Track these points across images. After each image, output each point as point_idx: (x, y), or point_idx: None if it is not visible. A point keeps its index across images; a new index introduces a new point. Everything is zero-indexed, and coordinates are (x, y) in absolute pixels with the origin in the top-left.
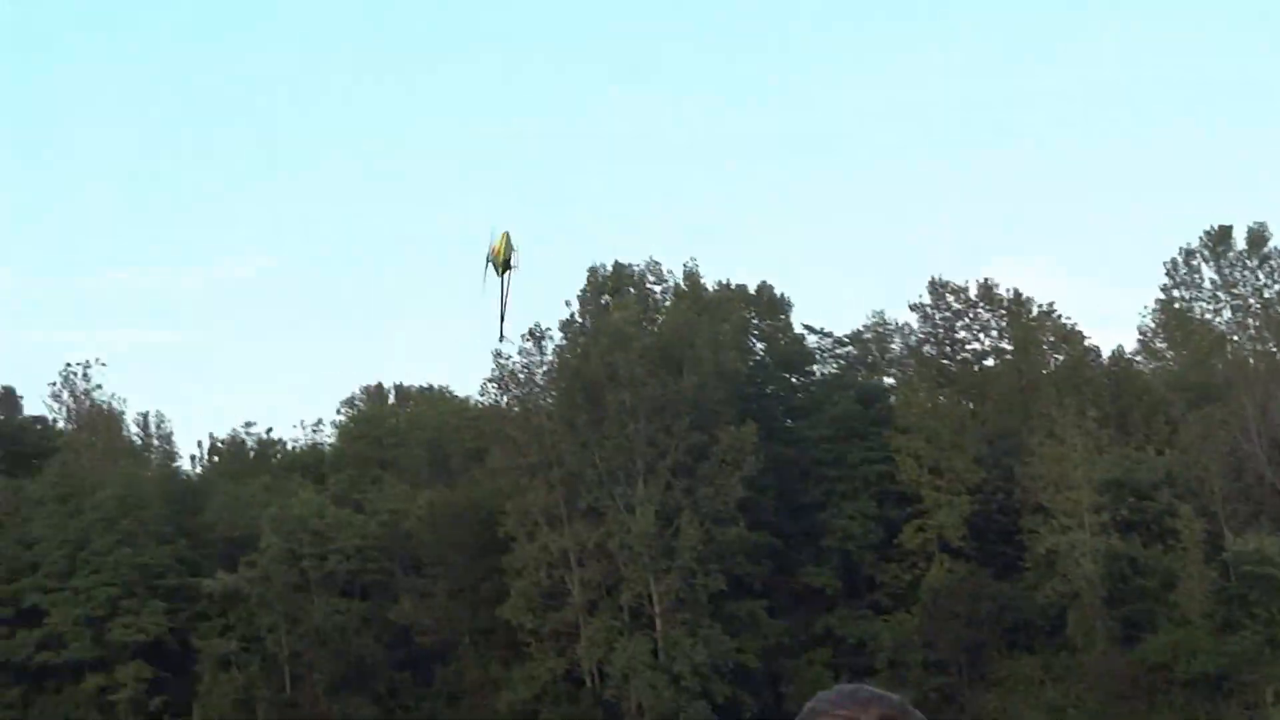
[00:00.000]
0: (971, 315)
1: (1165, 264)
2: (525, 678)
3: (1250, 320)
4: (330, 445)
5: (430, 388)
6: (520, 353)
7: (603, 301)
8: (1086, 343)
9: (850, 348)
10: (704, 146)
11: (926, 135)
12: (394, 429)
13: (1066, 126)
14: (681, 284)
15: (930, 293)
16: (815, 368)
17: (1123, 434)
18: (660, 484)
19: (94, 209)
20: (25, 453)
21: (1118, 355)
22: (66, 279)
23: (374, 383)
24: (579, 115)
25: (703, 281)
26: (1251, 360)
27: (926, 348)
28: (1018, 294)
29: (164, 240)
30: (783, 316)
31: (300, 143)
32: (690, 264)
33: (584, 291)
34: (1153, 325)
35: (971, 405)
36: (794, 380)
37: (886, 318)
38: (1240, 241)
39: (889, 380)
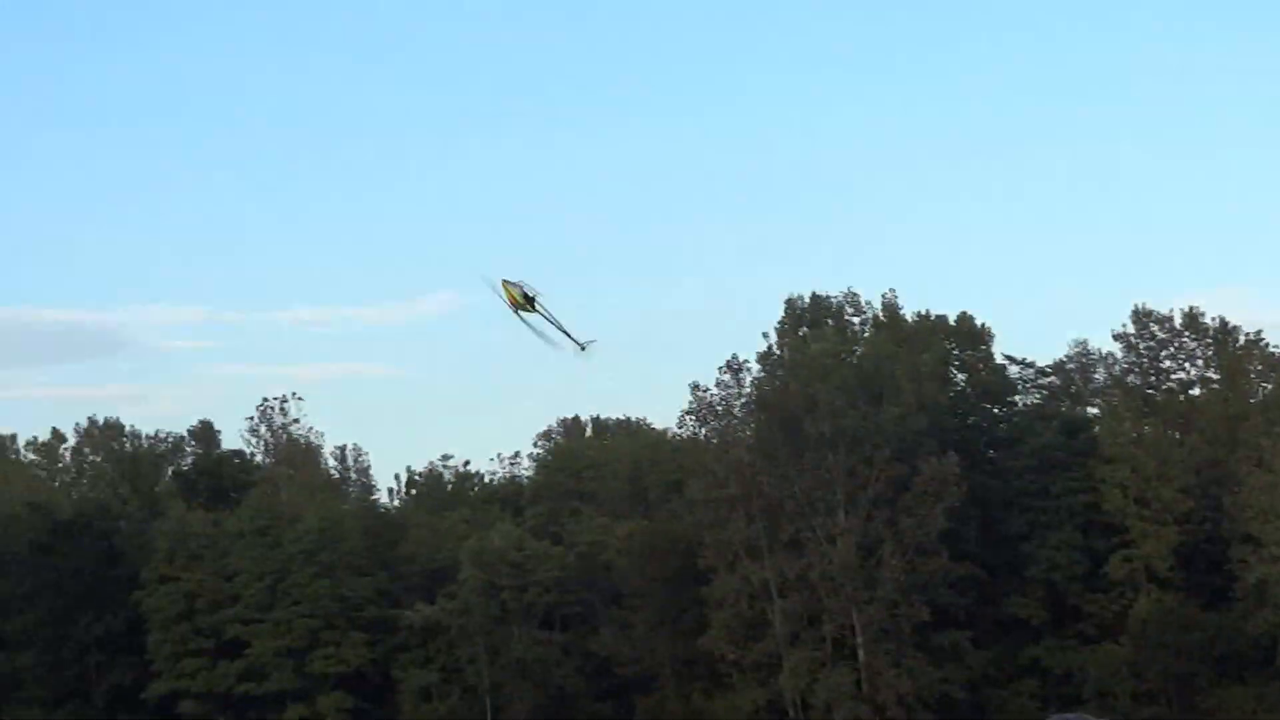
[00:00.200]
0: (1177, 344)
1: None
2: (728, 708)
3: None
4: (528, 478)
5: (627, 420)
6: (718, 385)
7: (801, 333)
8: None
9: (1053, 378)
10: (902, 178)
11: (1126, 163)
12: (592, 462)
13: (1272, 150)
14: (880, 315)
15: (1134, 322)
16: (1017, 398)
17: None
18: (861, 515)
19: (292, 245)
20: (224, 486)
21: None
22: (264, 314)
23: (571, 415)
24: (778, 149)
25: (902, 312)
26: None
27: (1131, 377)
28: (1224, 322)
29: (362, 276)
30: (984, 347)
31: (495, 180)
32: (889, 295)
33: (782, 323)
34: None
35: (1177, 435)
36: (996, 411)
37: (1089, 347)
38: None
39: (1092, 410)
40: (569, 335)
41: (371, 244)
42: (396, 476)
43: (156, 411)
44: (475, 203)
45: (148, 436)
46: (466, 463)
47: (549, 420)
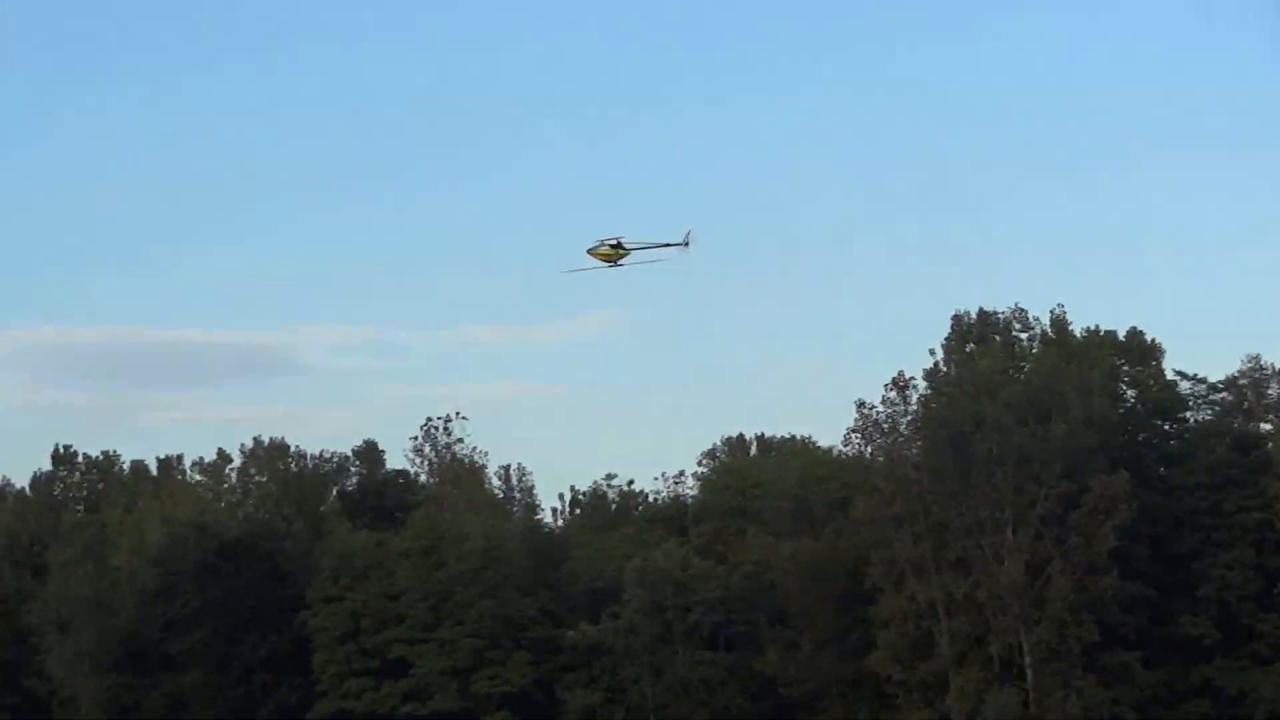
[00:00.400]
0: None
1: None
2: None
3: None
4: (692, 497)
5: (792, 438)
6: (884, 402)
7: (968, 349)
8: None
9: (1225, 393)
10: (1071, 191)
11: None
12: (757, 480)
13: None
14: (1048, 331)
15: None
16: (1188, 414)
17: None
18: (1029, 533)
19: (457, 265)
20: (388, 506)
21: None
22: (429, 333)
23: (736, 433)
24: (945, 162)
25: (1070, 328)
26: None
27: None
28: None
29: (525, 294)
30: (1154, 362)
31: (654, 196)
32: (1057, 310)
33: (949, 339)
34: None
35: None
36: (1166, 427)
37: (1263, 362)
38: None
39: (1266, 427)
40: (668, 245)
41: (534, 262)
42: (560, 496)
43: (322, 431)
44: (638, 218)
45: (313, 456)
46: (630, 481)
47: (713, 438)
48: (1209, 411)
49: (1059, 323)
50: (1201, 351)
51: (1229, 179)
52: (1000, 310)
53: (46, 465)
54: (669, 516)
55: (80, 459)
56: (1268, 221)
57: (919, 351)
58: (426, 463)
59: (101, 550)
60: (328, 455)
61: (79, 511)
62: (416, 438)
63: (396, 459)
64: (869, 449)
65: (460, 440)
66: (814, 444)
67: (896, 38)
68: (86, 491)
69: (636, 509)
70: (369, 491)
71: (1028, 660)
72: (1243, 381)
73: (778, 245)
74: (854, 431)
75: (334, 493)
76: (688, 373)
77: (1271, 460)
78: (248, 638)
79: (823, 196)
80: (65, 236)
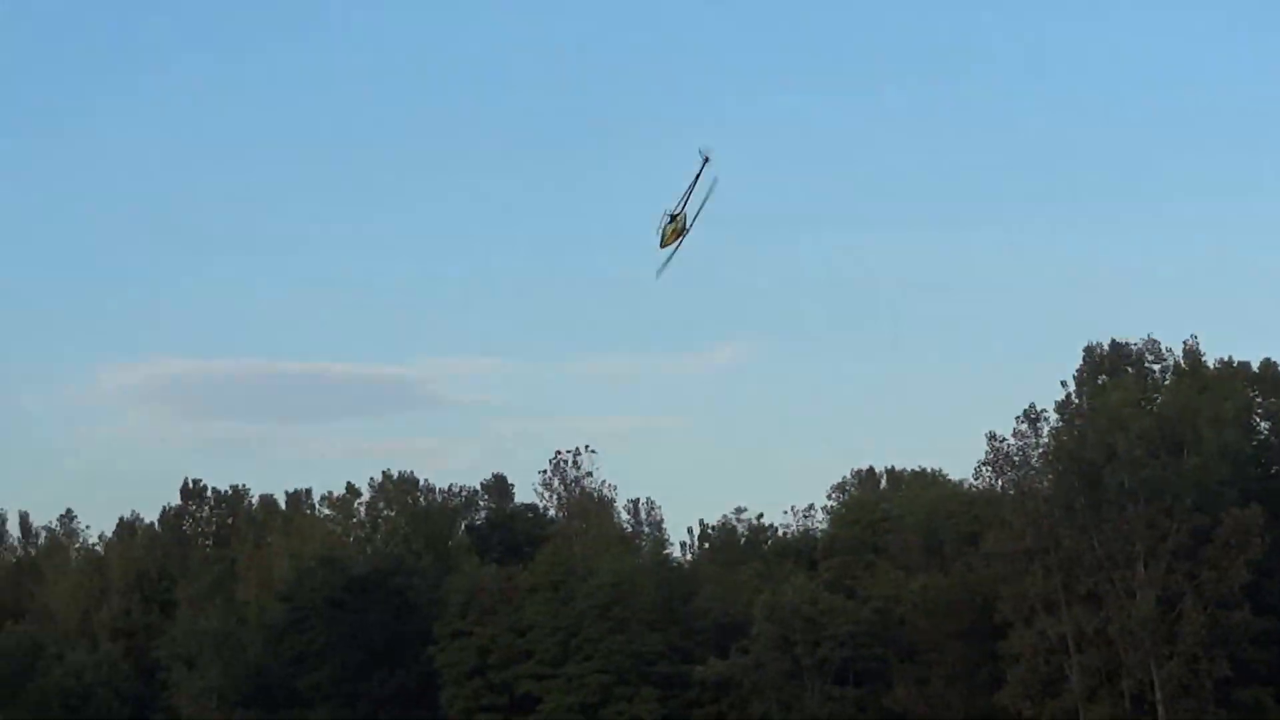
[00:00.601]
0: None
1: None
2: None
3: None
4: (822, 530)
5: (923, 471)
6: (1015, 435)
7: (1100, 381)
8: None
9: None
10: (1204, 222)
11: None
12: (886, 513)
13: None
14: (1181, 362)
15: None
16: None
17: None
18: (1161, 567)
19: (585, 296)
20: (517, 540)
21: None
22: (557, 366)
23: (865, 466)
24: (1083, 192)
25: (1204, 359)
26: None
27: None
28: None
29: (654, 326)
30: None
31: (782, 231)
32: (1190, 341)
33: (1081, 371)
34: None
35: None
36: None
37: None
38: None
39: None
40: (697, 176)
41: (663, 294)
42: (689, 530)
43: (451, 465)
44: (764, 254)
45: (441, 490)
46: (760, 515)
47: (843, 471)
48: None
49: (1192, 354)
50: None
51: None
52: (1133, 341)
53: (176, 499)
54: (798, 550)
55: (209, 493)
56: None
57: (1050, 383)
58: (555, 496)
59: (230, 585)
60: (456, 489)
61: (208, 546)
62: (545, 471)
63: (525, 493)
64: (1000, 482)
65: (589, 474)
66: (944, 477)
67: (1043, 77)
68: (215, 526)
69: (765, 543)
70: (498, 525)
71: (1159, 696)
72: None
73: (907, 275)
74: (984, 464)
75: (462, 527)
76: (817, 404)
77: None
78: (375, 673)
79: (951, 224)
80: (200, 270)
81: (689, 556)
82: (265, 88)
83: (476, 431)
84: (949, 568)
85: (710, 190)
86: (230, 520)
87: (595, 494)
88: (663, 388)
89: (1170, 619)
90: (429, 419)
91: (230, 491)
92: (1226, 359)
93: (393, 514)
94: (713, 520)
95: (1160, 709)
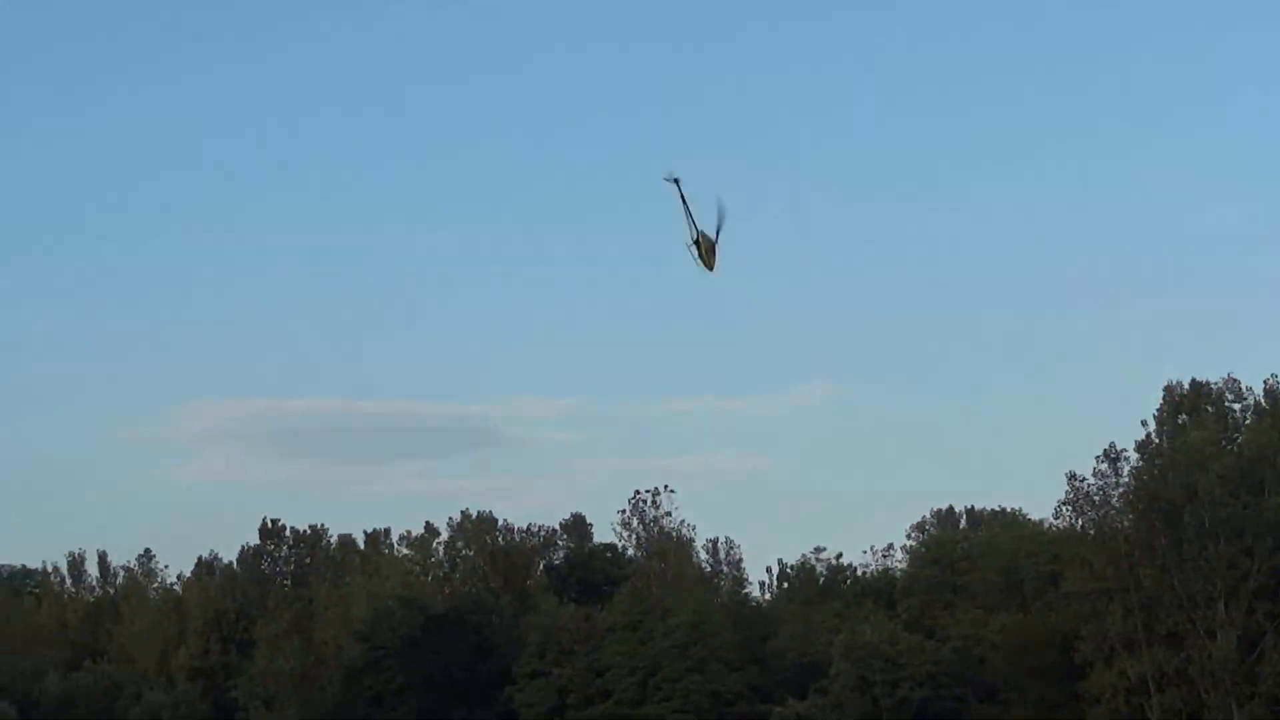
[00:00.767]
0: None
1: None
2: None
3: None
4: (901, 570)
5: (1002, 510)
6: (1095, 474)
7: (1180, 420)
8: None
9: None
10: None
11: None
12: (966, 553)
13: None
14: (1262, 401)
15: None
16: None
17: None
18: (1242, 607)
19: (663, 337)
20: (595, 580)
21: None
22: (636, 405)
23: (945, 506)
24: (1155, 232)
25: None
26: None
27: None
28: None
29: (733, 367)
30: None
31: (859, 272)
32: (1271, 381)
33: (1161, 410)
34: None
35: None
36: None
37: None
38: None
39: None
40: (684, 201)
41: (742, 335)
42: (768, 569)
43: (529, 504)
44: (844, 294)
45: (520, 530)
46: (839, 555)
47: (923, 511)
48: None
49: (1273, 393)
50: None
51: None
52: (1213, 381)
53: (254, 539)
54: (877, 590)
55: (288, 533)
56: None
57: (1131, 422)
58: (634, 536)
59: (308, 625)
60: (535, 528)
61: (286, 586)
62: (624, 511)
63: (604, 532)
64: (1080, 521)
65: (668, 513)
66: (1024, 516)
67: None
68: (294, 565)
69: (844, 582)
70: (576, 565)
71: None
72: None
73: (988, 317)
74: (1065, 503)
75: (541, 566)
76: (897, 444)
77: None
78: (454, 713)
79: (1032, 268)
80: (275, 312)
81: (768, 596)
82: (371, 135)
83: (555, 471)
84: (1029, 607)
85: (720, 211)
86: (309, 560)
87: (674, 534)
88: (742, 428)
89: (1251, 659)
90: (508, 459)
91: (309, 531)
92: None
93: (471, 554)
94: (792, 560)
95: None
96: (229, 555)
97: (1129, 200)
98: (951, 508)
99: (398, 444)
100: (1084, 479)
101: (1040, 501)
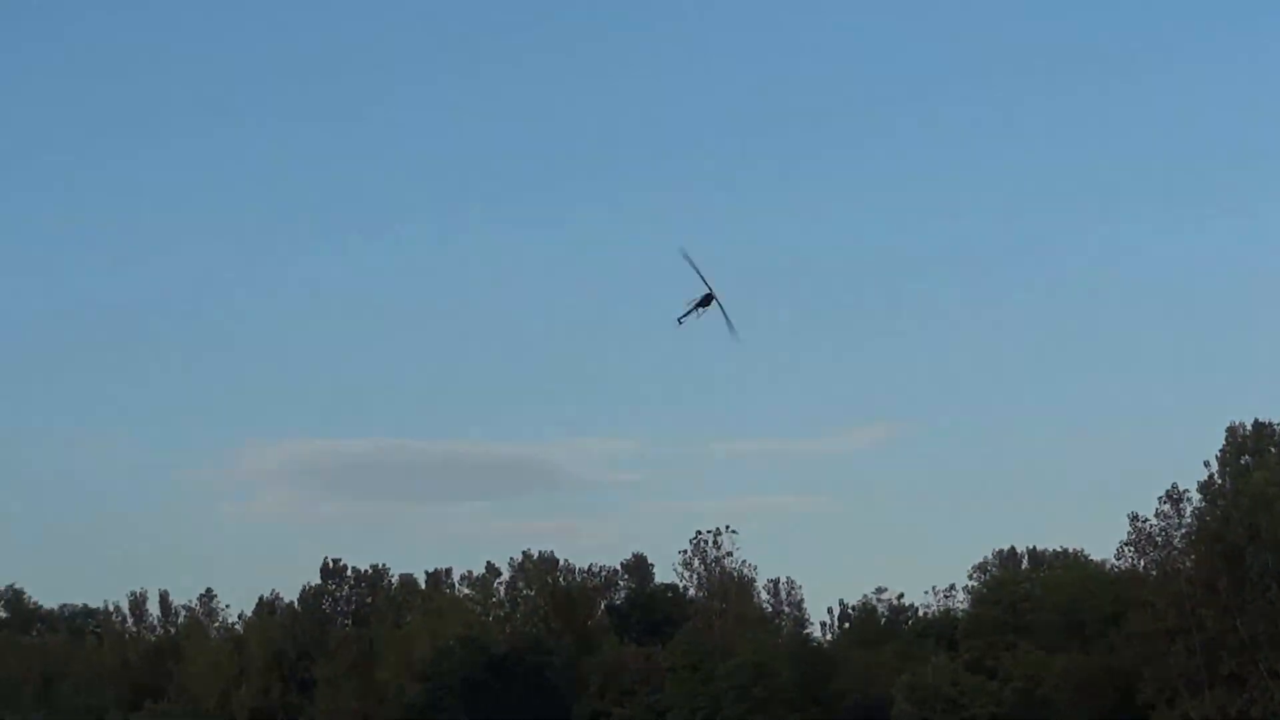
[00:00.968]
0: None
1: None
2: None
3: None
4: (963, 610)
5: (1065, 551)
6: (1157, 515)
7: (1243, 461)
8: None
9: None
10: None
11: None
12: (1028, 594)
13: None
14: None
15: None
16: None
17: None
18: None
19: (723, 379)
20: (657, 620)
21: None
22: (697, 446)
23: (1007, 547)
24: (1224, 272)
25: None
26: None
27: None
28: None
29: (795, 408)
30: None
31: (924, 314)
32: None
33: (1223, 451)
34: None
35: None
36: None
37: None
38: None
39: None
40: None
41: (803, 377)
42: (829, 610)
43: (590, 545)
44: (908, 337)
45: (581, 570)
46: (900, 595)
47: (984, 551)
48: None
49: None
50: None
51: None
52: (1276, 422)
53: (316, 579)
54: (939, 630)
55: (349, 572)
56: None
57: (1194, 463)
58: (695, 576)
59: (368, 664)
60: (596, 569)
61: (347, 625)
62: (686, 551)
63: (665, 572)
64: (1142, 562)
65: (729, 553)
66: (1086, 557)
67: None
68: (355, 605)
69: (906, 622)
70: (637, 605)
71: None
72: None
73: (1049, 358)
74: (1127, 544)
75: (602, 606)
76: (958, 485)
77: None
78: None
79: (1093, 310)
80: (337, 352)
81: (829, 636)
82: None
83: (617, 511)
84: (1091, 648)
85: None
86: (370, 599)
87: (735, 574)
88: (804, 468)
89: None
90: (570, 499)
91: (370, 571)
92: None
93: (532, 593)
94: (853, 600)
95: None
96: (290, 595)
97: (1193, 240)
98: (1013, 548)
99: (460, 484)
100: (1146, 520)
101: (1102, 542)
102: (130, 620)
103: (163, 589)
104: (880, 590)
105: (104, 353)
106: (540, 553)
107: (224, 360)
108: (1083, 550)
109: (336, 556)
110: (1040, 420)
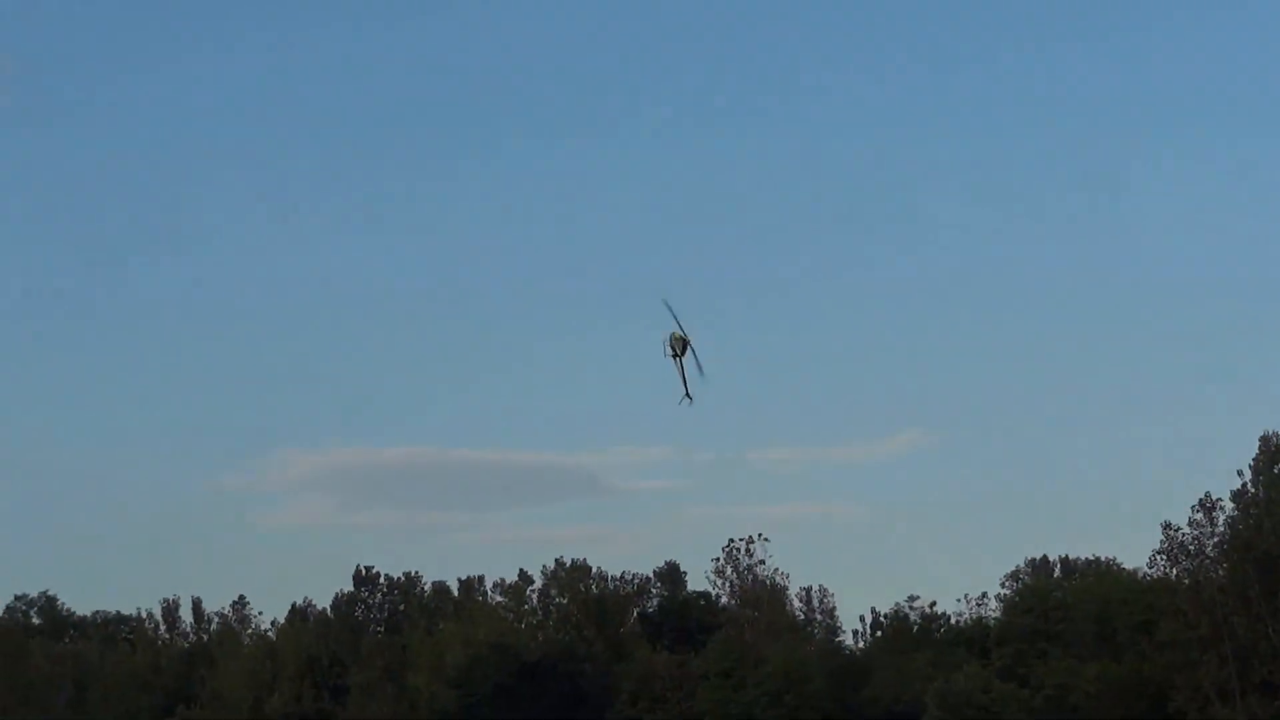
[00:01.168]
0: None
1: None
2: None
3: None
4: (995, 618)
5: (1097, 560)
6: (1190, 524)
7: (1276, 470)
8: None
9: None
10: None
11: None
12: (1060, 602)
13: None
14: None
15: None
16: None
17: None
18: None
19: (757, 386)
20: (689, 628)
21: None
22: (731, 454)
23: (1040, 555)
24: (1254, 283)
25: None
26: None
27: None
28: None
29: (828, 415)
30: None
31: (951, 320)
32: None
33: (1257, 460)
34: None
35: None
36: None
37: None
38: None
39: None
40: (685, 384)
41: (839, 384)
42: (861, 618)
43: (623, 552)
44: (935, 344)
45: (614, 578)
46: (933, 603)
47: (1017, 560)
48: None
49: None
50: None
51: None
52: None
53: (348, 586)
54: (971, 638)
55: (382, 580)
56: None
57: (1227, 473)
58: (728, 584)
59: (401, 672)
60: (629, 576)
61: (379, 633)
62: (718, 559)
63: (698, 580)
64: (1174, 571)
65: (762, 561)
66: (1118, 565)
67: None
68: (387, 612)
69: (938, 630)
70: (670, 613)
71: None
72: None
73: (1082, 366)
74: (1159, 553)
75: (635, 614)
76: (991, 493)
77: None
78: None
79: (1126, 319)
80: (372, 360)
81: (861, 644)
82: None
83: (650, 519)
84: (1122, 656)
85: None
86: (402, 607)
87: (768, 582)
88: (836, 477)
89: None
90: (601, 507)
91: (403, 578)
92: None
93: (565, 601)
94: (885, 608)
95: None
96: (323, 602)
97: (1226, 250)
98: (1046, 557)
99: (492, 492)
100: (1179, 529)
101: (1135, 551)
102: (163, 627)
103: (196, 596)
104: (912, 598)
105: (138, 358)
106: (573, 560)
107: (259, 367)
108: (1115, 559)
109: (370, 564)
110: (1073, 428)
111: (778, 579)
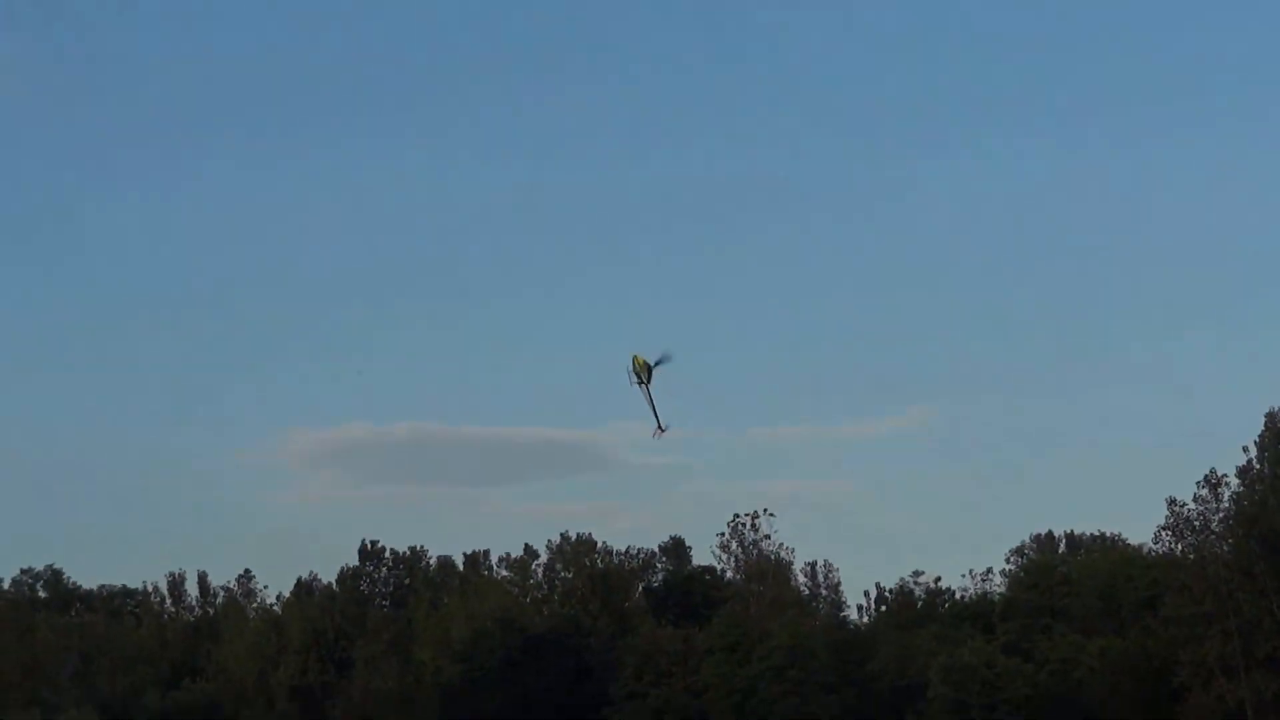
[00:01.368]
0: None
1: None
2: None
3: None
4: (1000, 594)
5: (1102, 535)
6: (1196, 500)
7: None
8: None
9: None
10: None
11: None
12: (1065, 577)
13: None
14: None
15: None
16: None
17: None
18: None
19: (764, 362)
20: (694, 602)
21: None
22: (736, 430)
23: (1044, 530)
24: (1261, 261)
25: None
26: None
27: None
28: None
29: (835, 392)
30: None
31: (961, 294)
32: None
33: (1262, 437)
34: None
35: None
36: None
37: None
38: None
39: None
40: (656, 415)
41: (845, 360)
42: (866, 593)
43: (629, 527)
44: (940, 320)
45: (619, 553)
46: (937, 578)
47: (1022, 535)
48: None
49: None
50: None
51: None
52: None
53: (354, 560)
54: (975, 613)
55: (387, 554)
56: None
57: (1232, 449)
58: (733, 559)
59: (406, 645)
60: (634, 551)
61: (385, 607)
62: (723, 534)
63: (703, 555)
64: (1179, 546)
65: (767, 536)
66: (1123, 541)
67: None
68: (393, 587)
69: (943, 605)
70: (675, 588)
71: None
72: None
73: (1089, 343)
74: (1164, 529)
75: (640, 589)
76: (996, 469)
77: None
78: None
79: (1133, 296)
80: (380, 339)
81: (865, 619)
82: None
83: (655, 495)
84: (1127, 631)
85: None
86: (407, 581)
87: (773, 557)
88: (841, 452)
89: None
90: (607, 482)
91: (408, 553)
92: None
93: (570, 576)
94: (890, 583)
95: None
96: (328, 576)
97: (1230, 227)
98: (1051, 532)
99: (498, 467)
100: (1184, 504)
101: (1140, 527)
102: (169, 601)
103: (201, 570)
104: (917, 573)
105: (147, 335)
106: (578, 535)
107: (265, 344)
108: (1120, 534)
109: (375, 539)
110: (1078, 404)
111: (783, 554)
